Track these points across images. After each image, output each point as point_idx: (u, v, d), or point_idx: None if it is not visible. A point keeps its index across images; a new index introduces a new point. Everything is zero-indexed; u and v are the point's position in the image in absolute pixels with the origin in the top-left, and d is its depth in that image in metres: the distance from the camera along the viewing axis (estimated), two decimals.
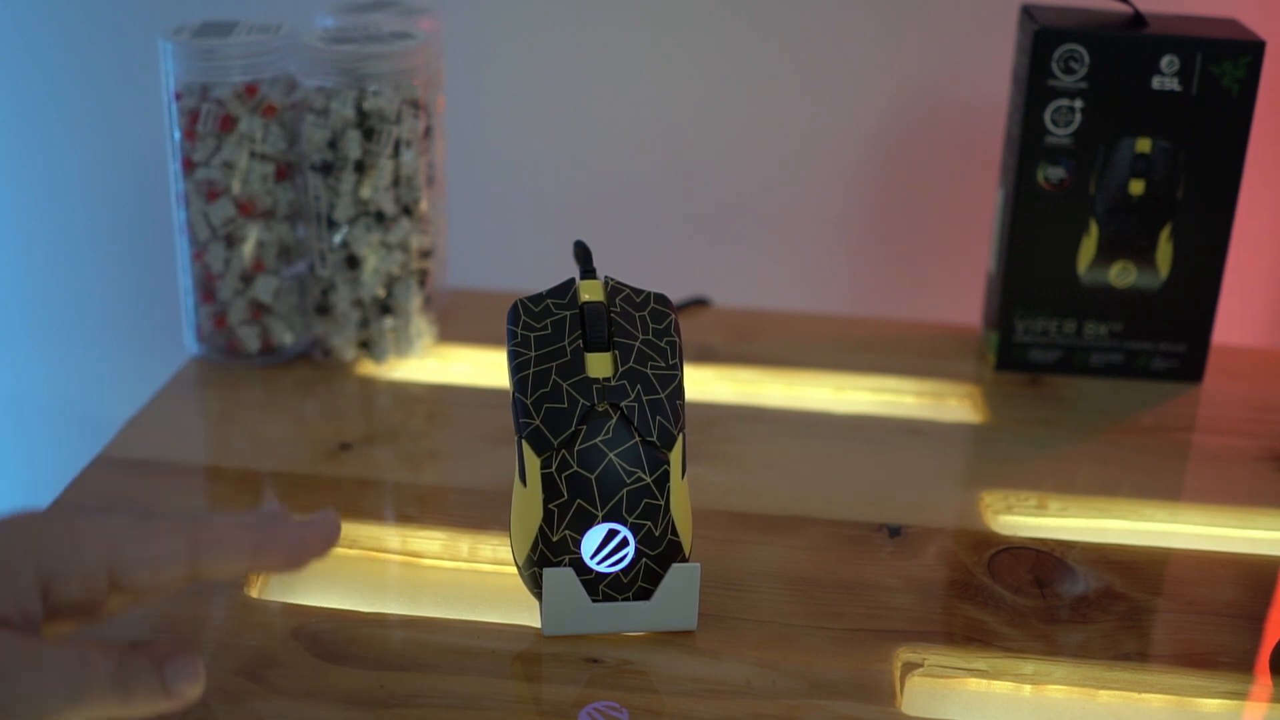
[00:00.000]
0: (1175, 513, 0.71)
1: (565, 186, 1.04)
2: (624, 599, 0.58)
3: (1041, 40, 0.79)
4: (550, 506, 0.57)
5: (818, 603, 0.62)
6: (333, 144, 0.77)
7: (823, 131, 1.01)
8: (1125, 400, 0.82)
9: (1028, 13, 0.81)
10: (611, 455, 0.57)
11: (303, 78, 0.77)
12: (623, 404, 0.57)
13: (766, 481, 0.72)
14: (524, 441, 0.57)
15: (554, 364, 0.58)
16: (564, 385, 0.57)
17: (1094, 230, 0.82)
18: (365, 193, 0.78)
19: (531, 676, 0.57)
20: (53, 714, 0.42)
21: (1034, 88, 0.79)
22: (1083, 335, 0.84)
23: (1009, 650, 0.59)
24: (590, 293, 0.60)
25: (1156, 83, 0.79)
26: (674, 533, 0.58)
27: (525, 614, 0.60)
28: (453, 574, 0.63)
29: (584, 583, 0.57)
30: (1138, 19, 0.81)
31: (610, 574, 0.58)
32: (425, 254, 0.82)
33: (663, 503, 0.57)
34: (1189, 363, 0.84)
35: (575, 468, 0.56)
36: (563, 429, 0.56)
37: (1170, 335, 0.84)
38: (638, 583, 0.58)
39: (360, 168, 0.78)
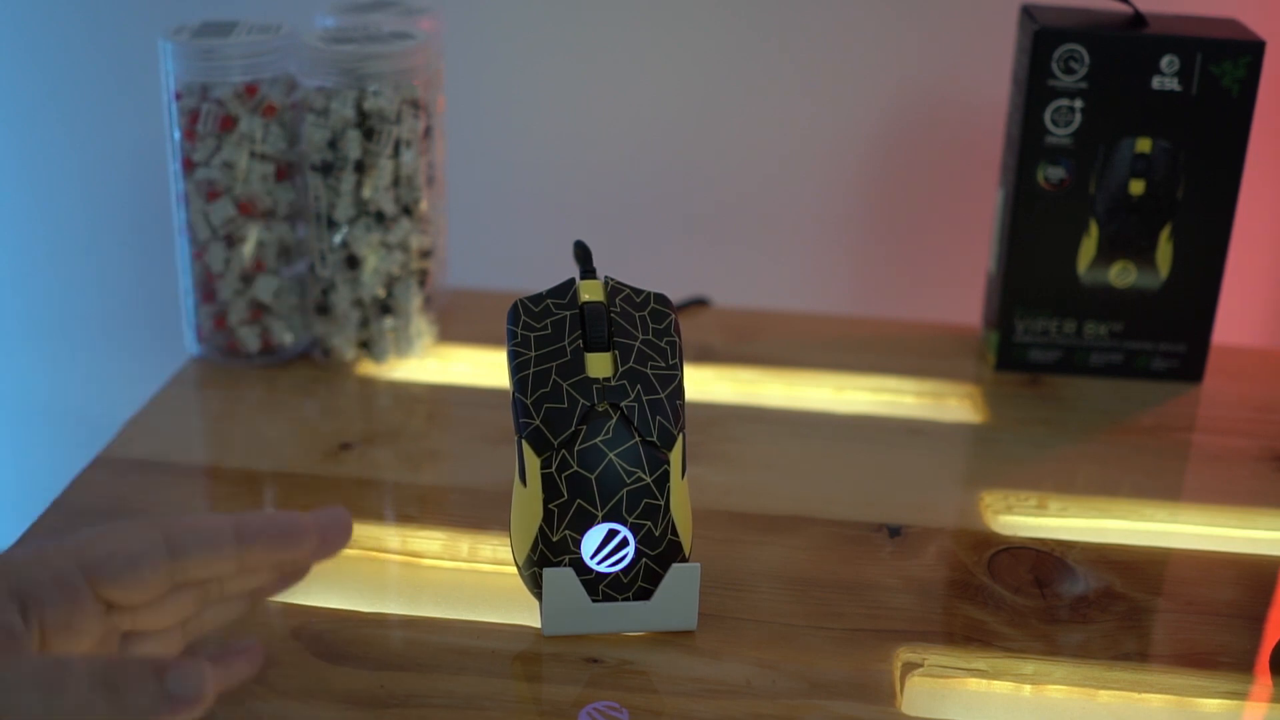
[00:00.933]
0: (1175, 513, 0.71)
1: (565, 186, 1.04)
2: (624, 599, 0.58)
3: (1041, 40, 0.79)
4: (550, 506, 0.57)
5: (818, 603, 0.62)
6: (333, 144, 0.77)
7: (823, 131, 1.01)
8: (1125, 400, 0.82)
9: (1028, 13, 0.81)
10: (611, 455, 0.57)
11: (303, 78, 0.77)
12: (623, 404, 0.57)
13: (766, 481, 0.72)
14: (524, 441, 0.57)
15: (554, 364, 0.58)
16: (564, 385, 0.57)
17: (1094, 230, 0.82)
18: (365, 193, 0.78)
19: (531, 676, 0.57)
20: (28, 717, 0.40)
21: (1034, 88, 0.79)
22: (1083, 335, 0.84)
23: (1009, 650, 0.59)
24: (590, 293, 0.60)
25: (1156, 83, 0.79)
26: (674, 533, 0.58)
27: (525, 614, 0.60)
28: (453, 574, 0.63)
29: (584, 583, 0.57)
30: (1138, 19, 0.81)
31: (610, 574, 0.58)
32: (425, 254, 0.82)
33: (663, 503, 0.57)
34: (1189, 363, 0.84)
35: (575, 468, 0.56)
36: (563, 429, 0.56)
37: (1170, 335, 0.84)
38: (638, 583, 0.58)
39: (360, 168, 0.78)
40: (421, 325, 0.83)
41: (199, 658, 0.42)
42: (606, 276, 0.61)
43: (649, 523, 0.57)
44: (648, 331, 0.59)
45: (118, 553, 0.45)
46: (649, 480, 0.57)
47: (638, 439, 0.57)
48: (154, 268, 1.07)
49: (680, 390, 0.59)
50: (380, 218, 0.79)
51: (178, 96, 0.77)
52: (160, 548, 0.46)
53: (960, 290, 1.02)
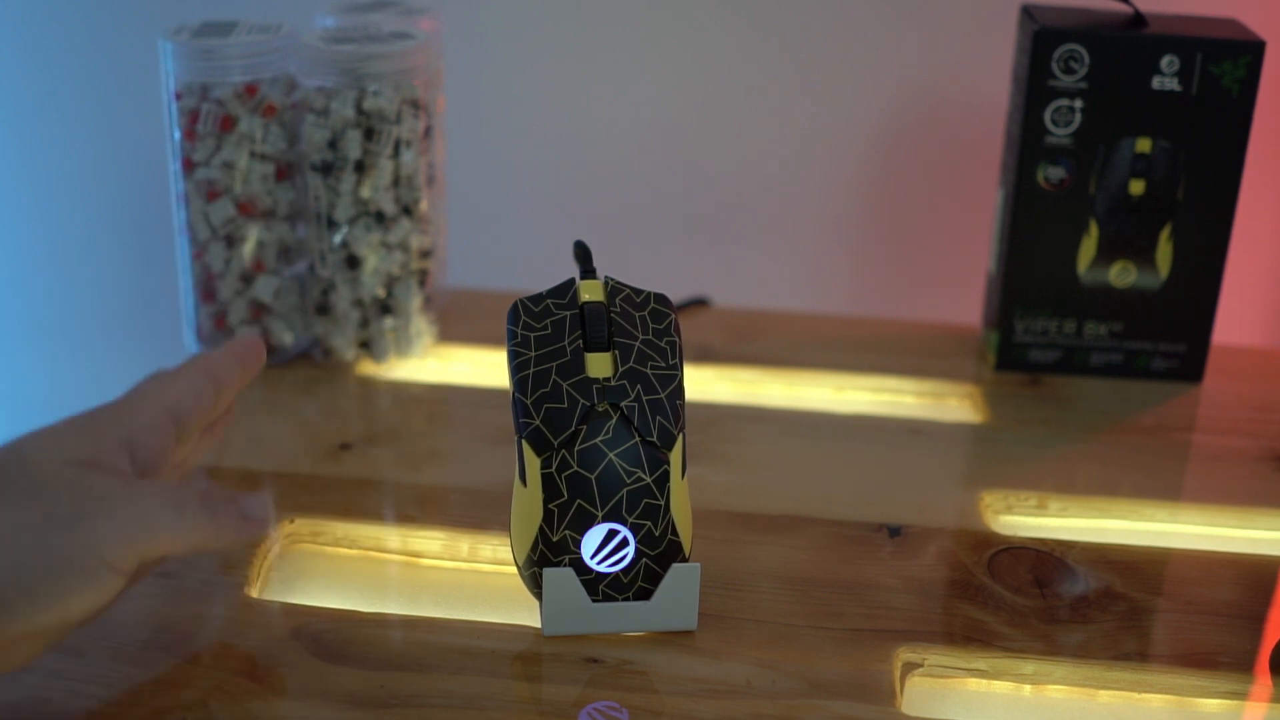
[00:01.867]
0: (1175, 513, 0.71)
1: (565, 186, 1.04)
2: (624, 599, 0.58)
3: (1041, 40, 0.79)
4: (550, 506, 0.57)
5: (818, 603, 0.62)
6: (333, 144, 0.77)
7: (823, 131, 1.01)
8: (1125, 400, 0.82)
9: (1028, 13, 0.81)
10: (611, 455, 0.57)
11: (303, 78, 0.77)
12: (623, 404, 0.57)
13: (766, 481, 0.72)
14: (524, 441, 0.57)
15: (554, 364, 0.58)
16: (564, 385, 0.57)
17: (1094, 230, 0.82)
18: (365, 193, 0.78)
19: (531, 676, 0.57)
20: (157, 535, 0.48)
21: (1034, 88, 0.79)
22: (1083, 335, 0.84)
23: (1009, 650, 0.59)
24: (590, 293, 0.60)
25: (1156, 83, 0.79)
26: (674, 533, 0.58)
27: (525, 614, 0.60)
28: (453, 574, 0.63)
29: (584, 583, 0.57)
30: (1138, 19, 0.81)
31: (610, 574, 0.58)
32: (425, 254, 0.82)
33: (663, 503, 0.57)
34: (1189, 363, 0.84)
35: (575, 468, 0.56)
36: (563, 429, 0.56)
37: (1170, 335, 0.84)
38: (638, 583, 0.58)
39: (360, 168, 0.78)
40: (421, 325, 0.83)
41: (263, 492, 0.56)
42: (606, 276, 0.61)
43: (649, 523, 0.57)
44: (648, 331, 0.59)
45: (184, 395, 0.55)
46: (649, 480, 0.57)
47: (638, 439, 0.57)
48: (154, 268, 1.07)
49: (680, 390, 0.59)
50: (380, 218, 0.79)
51: (178, 96, 0.77)
52: (209, 384, 0.56)
53: (960, 290, 1.02)
